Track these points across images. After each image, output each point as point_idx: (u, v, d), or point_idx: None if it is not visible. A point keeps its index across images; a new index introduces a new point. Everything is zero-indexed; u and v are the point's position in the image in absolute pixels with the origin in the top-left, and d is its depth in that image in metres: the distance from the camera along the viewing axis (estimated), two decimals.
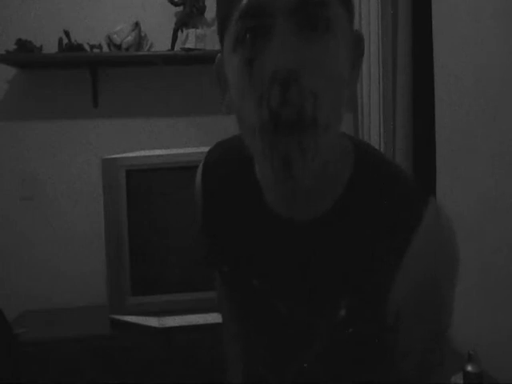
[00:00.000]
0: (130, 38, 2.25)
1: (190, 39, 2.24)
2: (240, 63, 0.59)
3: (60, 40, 2.23)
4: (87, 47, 2.26)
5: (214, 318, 2.01)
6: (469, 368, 1.44)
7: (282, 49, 0.55)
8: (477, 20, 1.60)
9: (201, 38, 2.25)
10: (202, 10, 2.32)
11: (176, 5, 2.30)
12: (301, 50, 0.56)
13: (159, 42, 2.33)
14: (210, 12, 2.34)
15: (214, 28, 2.33)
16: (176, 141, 2.37)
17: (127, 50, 2.25)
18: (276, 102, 0.56)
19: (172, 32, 2.28)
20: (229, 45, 0.61)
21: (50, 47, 2.25)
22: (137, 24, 2.28)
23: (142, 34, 2.31)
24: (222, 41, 0.65)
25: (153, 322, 1.99)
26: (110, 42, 2.26)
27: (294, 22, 0.56)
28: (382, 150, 2.16)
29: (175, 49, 2.28)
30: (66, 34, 2.24)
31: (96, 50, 2.26)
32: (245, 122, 0.61)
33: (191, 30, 2.25)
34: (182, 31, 2.28)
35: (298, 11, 0.56)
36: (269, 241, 0.74)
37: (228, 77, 0.64)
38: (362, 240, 0.68)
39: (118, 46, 2.25)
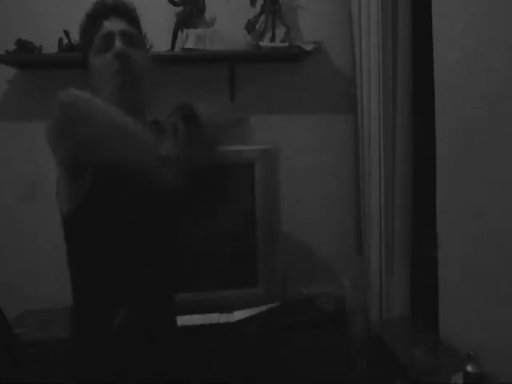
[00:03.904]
0: None
1: (190, 39, 2.24)
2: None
3: (60, 40, 2.23)
4: None
5: (213, 318, 2.02)
6: (469, 368, 1.44)
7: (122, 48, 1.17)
8: (476, 19, 1.60)
9: (201, 38, 2.25)
10: (202, 10, 2.32)
11: (176, 5, 2.30)
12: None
13: (159, 42, 2.33)
14: (210, 12, 2.34)
15: (214, 28, 2.33)
16: None
17: None
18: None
19: (172, 32, 2.28)
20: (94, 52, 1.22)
21: (50, 47, 2.25)
22: None
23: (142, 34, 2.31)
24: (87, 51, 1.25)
25: None
26: None
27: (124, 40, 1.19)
28: (381, 150, 2.17)
29: (175, 49, 2.29)
30: (66, 34, 2.24)
31: None
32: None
33: (191, 30, 2.25)
34: (182, 31, 2.28)
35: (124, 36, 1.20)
36: None
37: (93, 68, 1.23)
38: None
39: None
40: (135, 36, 1.22)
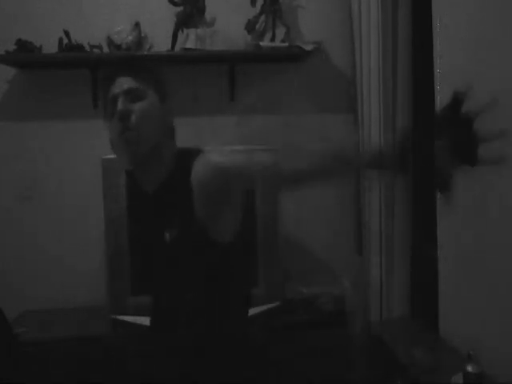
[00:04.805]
0: (130, 38, 2.25)
1: (190, 39, 2.24)
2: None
3: (60, 40, 2.23)
4: (87, 47, 2.26)
5: None
6: (469, 368, 1.44)
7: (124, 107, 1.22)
8: (476, 19, 1.60)
9: (201, 38, 2.25)
10: (202, 10, 2.32)
11: (176, 5, 2.30)
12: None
13: (159, 42, 2.33)
14: (210, 12, 2.34)
15: (214, 28, 2.33)
16: None
17: (127, 50, 2.26)
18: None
19: (172, 32, 2.28)
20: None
21: (50, 47, 2.25)
22: (137, 24, 2.28)
23: (142, 35, 2.31)
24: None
25: None
26: (111, 42, 2.26)
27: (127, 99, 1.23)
28: None
29: (175, 49, 2.29)
30: (66, 34, 2.24)
31: (96, 50, 2.26)
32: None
33: (191, 30, 2.25)
34: (182, 31, 2.28)
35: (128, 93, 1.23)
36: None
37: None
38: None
39: (118, 47, 2.25)
40: (140, 89, 1.25)
